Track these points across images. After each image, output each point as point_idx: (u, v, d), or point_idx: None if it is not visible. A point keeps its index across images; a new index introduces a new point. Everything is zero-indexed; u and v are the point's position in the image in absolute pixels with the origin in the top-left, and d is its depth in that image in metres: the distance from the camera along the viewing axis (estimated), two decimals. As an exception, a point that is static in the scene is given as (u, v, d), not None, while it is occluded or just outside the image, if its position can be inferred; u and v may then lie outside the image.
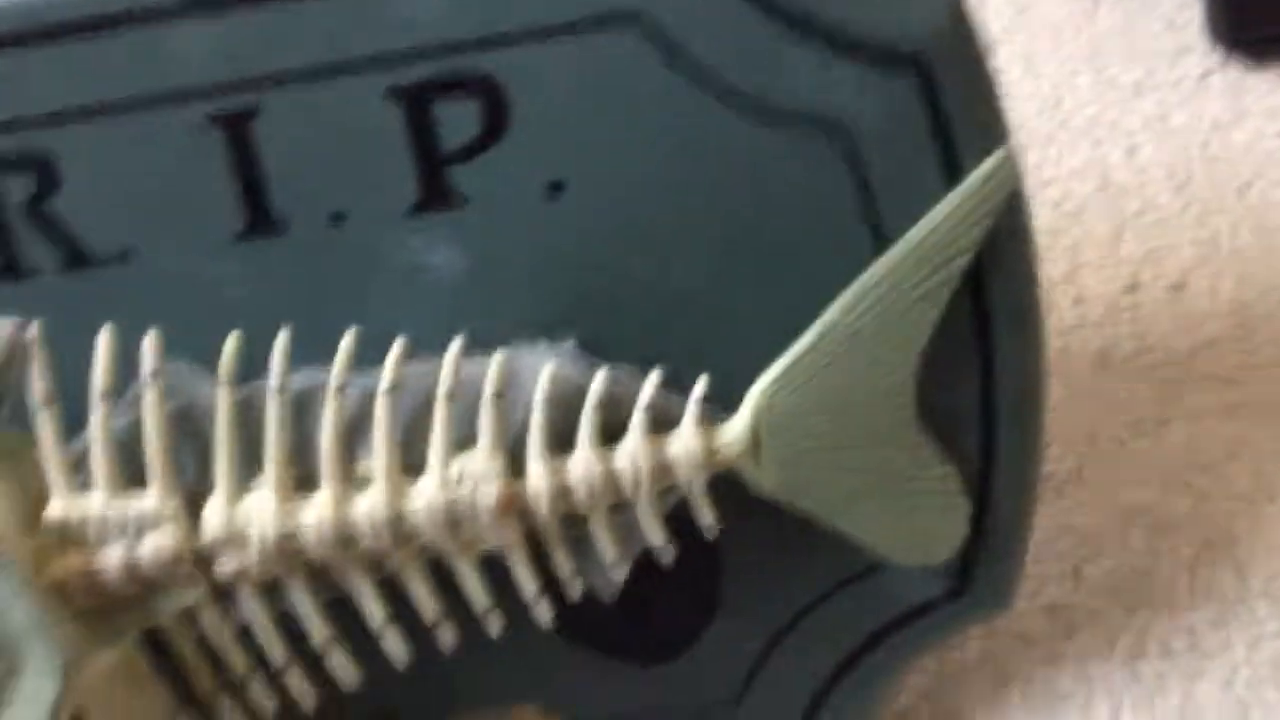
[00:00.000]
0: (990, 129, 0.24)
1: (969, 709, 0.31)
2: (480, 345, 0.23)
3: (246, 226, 0.24)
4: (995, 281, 0.24)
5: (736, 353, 0.24)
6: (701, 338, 0.24)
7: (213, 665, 0.24)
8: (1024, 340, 0.25)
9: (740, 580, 0.26)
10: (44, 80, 0.23)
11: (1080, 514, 0.35)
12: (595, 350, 0.24)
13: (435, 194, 0.24)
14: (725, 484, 0.24)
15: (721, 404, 0.24)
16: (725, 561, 0.26)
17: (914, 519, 0.25)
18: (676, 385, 0.24)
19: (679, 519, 0.24)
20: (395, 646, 0.24)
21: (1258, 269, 0.41)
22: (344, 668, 0.24)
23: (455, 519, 0.22)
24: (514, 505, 0.23)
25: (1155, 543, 0.34)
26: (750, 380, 0.24)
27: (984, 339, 0.25)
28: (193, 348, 0.23)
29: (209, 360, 0.23)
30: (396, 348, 0.22)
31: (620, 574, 0.24)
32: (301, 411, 0.23)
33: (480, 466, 0.22)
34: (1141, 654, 0.31)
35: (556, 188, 0.24)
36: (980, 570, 0.27)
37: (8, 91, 0.23)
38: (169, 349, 0.22)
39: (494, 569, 0.23)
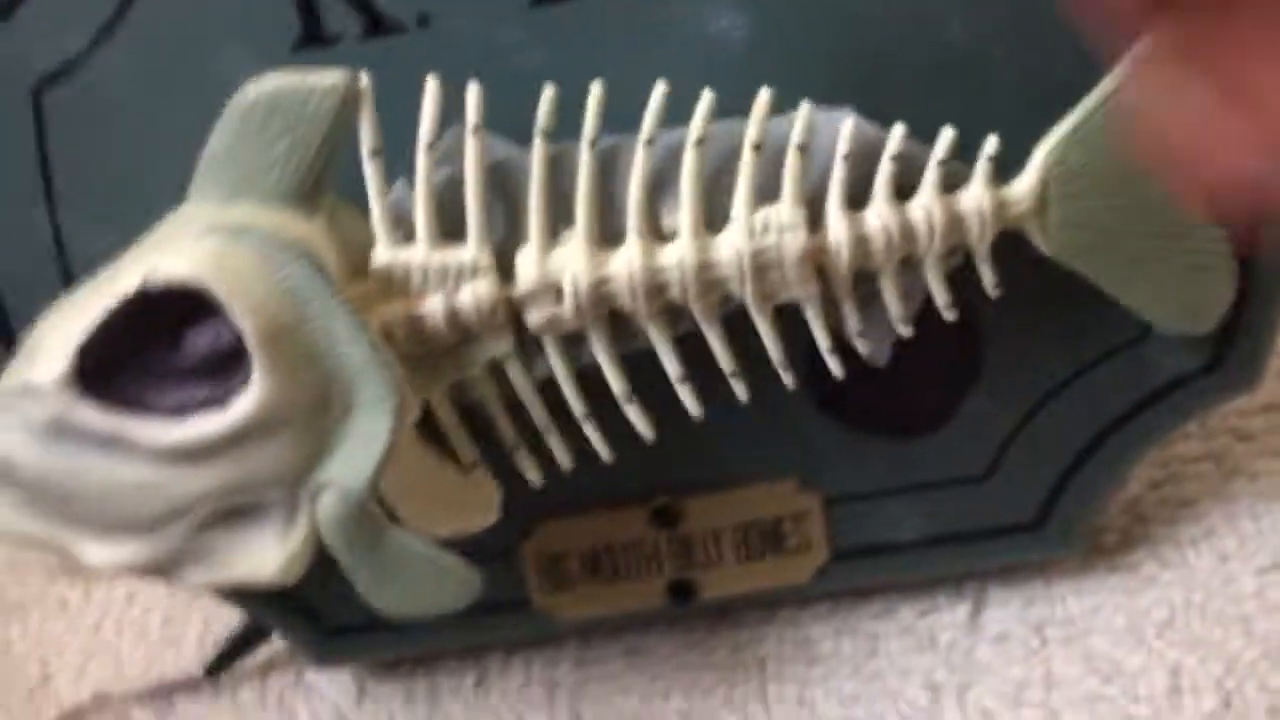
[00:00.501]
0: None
1: (1197, 498, 0.32)
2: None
3: (541, -9, 0.25)
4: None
5: (1018, 119, 0.24)
6: (982, 105, 0.25)
7: (513, 419, 0.25)
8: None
9: (1001, 352, 0.27)
10: None
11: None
12: (876, 117, 0.25)
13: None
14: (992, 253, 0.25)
15: (1003, 172, 0.24)
16: (988, 333, 0.27)
17: (1185, 284, 0.26)
18: (960, 154, 0.24)
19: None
20: (690, 400, 0.25)
21: None
22: (641, 420, 0.25)
23: (760, 266, 0.23)
24: (816, 254, 0.23)
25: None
26: (1031, 147, 0.24)
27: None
28: (487, 113, 0.24)
29: (502, 126, 0.24)
30: (705, 101, 0.23)
31: (902, 331, 0.25)
32: (606, 171, 0.24)
33: (785, 217, 0.23)
34: (1363, 448, 0.32)
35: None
36: (1235, 345, 0.27)
37: None
38: (457, 112, 0.23)
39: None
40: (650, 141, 0.23)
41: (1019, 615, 0.30)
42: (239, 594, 0.30)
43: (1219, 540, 0.31)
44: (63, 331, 0.22)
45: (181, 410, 0.23)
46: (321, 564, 0.26)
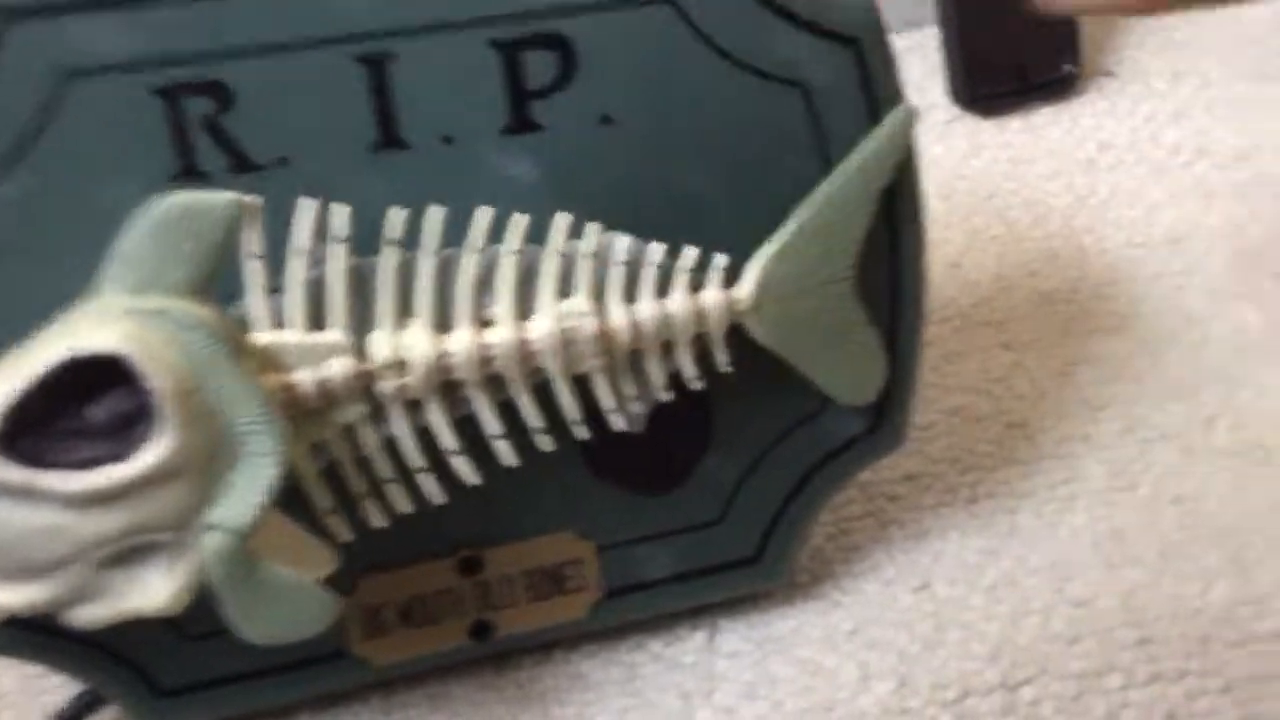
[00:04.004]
0: (896, 91, 0.35)
1: (863, 544, 0.41)
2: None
3: (379, 143, 0.32)
4: (898, 198, 0.35)
5: (734, 240, 0.33)
6: (708, 227, 0.34)
7: (364, 474, 0.31)
8: (915, 240, 0.36)
9: (725, 421, 0.36)
10: (223, 22, 0.30)
11: (920, 413, 0.46)
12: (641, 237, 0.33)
13: (521, 121, 0.32)
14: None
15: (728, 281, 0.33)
16: (715, 405, 0.35)
17: (853, 367, 0.35)
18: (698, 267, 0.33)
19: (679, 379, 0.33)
20: (507, 454, 0.31)
21: (1008, 249, 0.55)
22: (466, 471, 0.31)
23: (565, 342, 0.31)
24: (603, 336, 0.31)
25: (973, 429, 0.45)
26: (742, 259, 0.34)
27: (894, 237, 0.36)
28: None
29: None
30: (521, 223, 0.31)
31: (659, 398, 0.33)
32: (444, 271, 0.31)
33: (581, 305, 0.31)
34: (974, 500, 0.43)
35: (606, 120, 0.33)
36: (888, 412, 0.37)
37: (195, 31, 0.30)
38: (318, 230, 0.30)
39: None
40: (480, 250, 0.30)
41: (744, 635, 0.38)
42: (75, 663, 0.33)
43: (882, 570, 0.40)
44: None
45: (86, 465, 0.27)
46: (153, 630, 0.30)
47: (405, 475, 0.31)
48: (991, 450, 0.45)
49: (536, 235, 0.31)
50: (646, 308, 0.32)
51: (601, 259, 0.32)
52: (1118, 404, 0.46)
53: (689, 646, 0.38)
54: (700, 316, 0.33)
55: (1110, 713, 0.36)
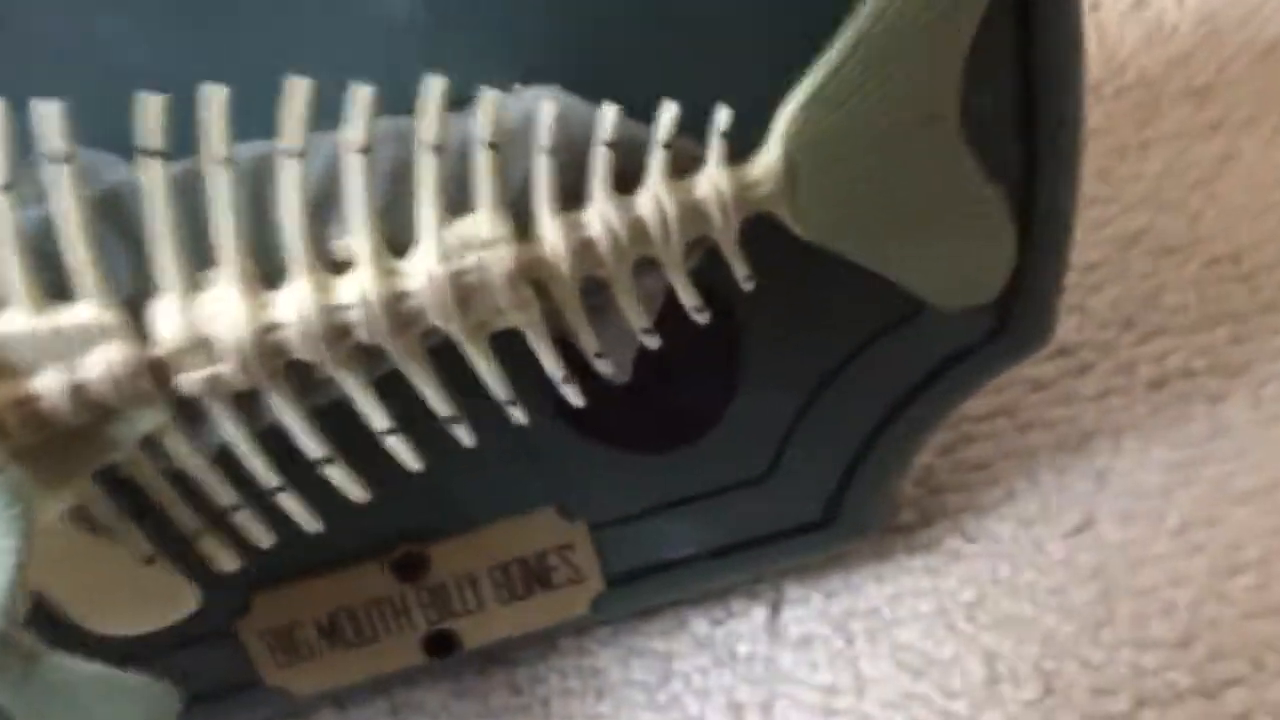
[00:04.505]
0: None
1: (992, 459, 0.29)
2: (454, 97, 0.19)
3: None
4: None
5: (753, 88, 0.20)
6: (709, 75, 0.21)
7: (190, 499, 0.20)
8: (1064, 36, 0.22)
9: (764, 345, 0.24)
10: None
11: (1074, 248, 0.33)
12: (588, 95, 0.20)
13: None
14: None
15: (744, 150, 0.20)
16: (747, 326, 0.23)
17: (961, 253, 0.23)
18: (690, 130, 0.20)
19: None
20: (403, 453, 0.20)
21: (1218, -20, 0.39)
22: (347, 484, 0.20)
23: (463, 293, 0.19)
24: (530, 269, 0.19)
25: (1159, 266, 0.32)
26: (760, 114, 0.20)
27: (1025, 35, 0.22)
28: (88, 128, 0.19)
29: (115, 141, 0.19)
30: (363, 97, 0.18)
31: (647, 343, 0.21)
32: (256, 191, 0.19)
33: (485, 230, 0.19)
34: (1163, 382, 0.30)
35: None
36: (1020, 306, 0.24)
37: None
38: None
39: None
40: (300, 153, 0.18)
41: (820, 612, 0.27)
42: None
43: (1021, 503, 0.28)
44: None
45: None
46: None
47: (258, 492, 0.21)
48: (1186, 302, 0.31)
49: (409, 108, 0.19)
50: (599, 214, 0.20)
51: (518, 142, 0.19)
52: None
53: (744, 629, 0.28)
54: (692, 215, 0.20)
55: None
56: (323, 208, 0.19)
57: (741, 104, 0.20)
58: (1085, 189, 0.33)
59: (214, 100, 0.18)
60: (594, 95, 0.20)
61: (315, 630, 0.25)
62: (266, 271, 0.19)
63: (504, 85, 0.20)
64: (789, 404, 0.24)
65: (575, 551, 0.25)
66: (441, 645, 0.26)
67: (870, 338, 0.24)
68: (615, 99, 0.20)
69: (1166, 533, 0.27)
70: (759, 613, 0.28)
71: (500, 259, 0.19)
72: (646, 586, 0.26)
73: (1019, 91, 0.22)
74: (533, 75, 0.20)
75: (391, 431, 0.20)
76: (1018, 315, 0.24)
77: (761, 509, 0.25)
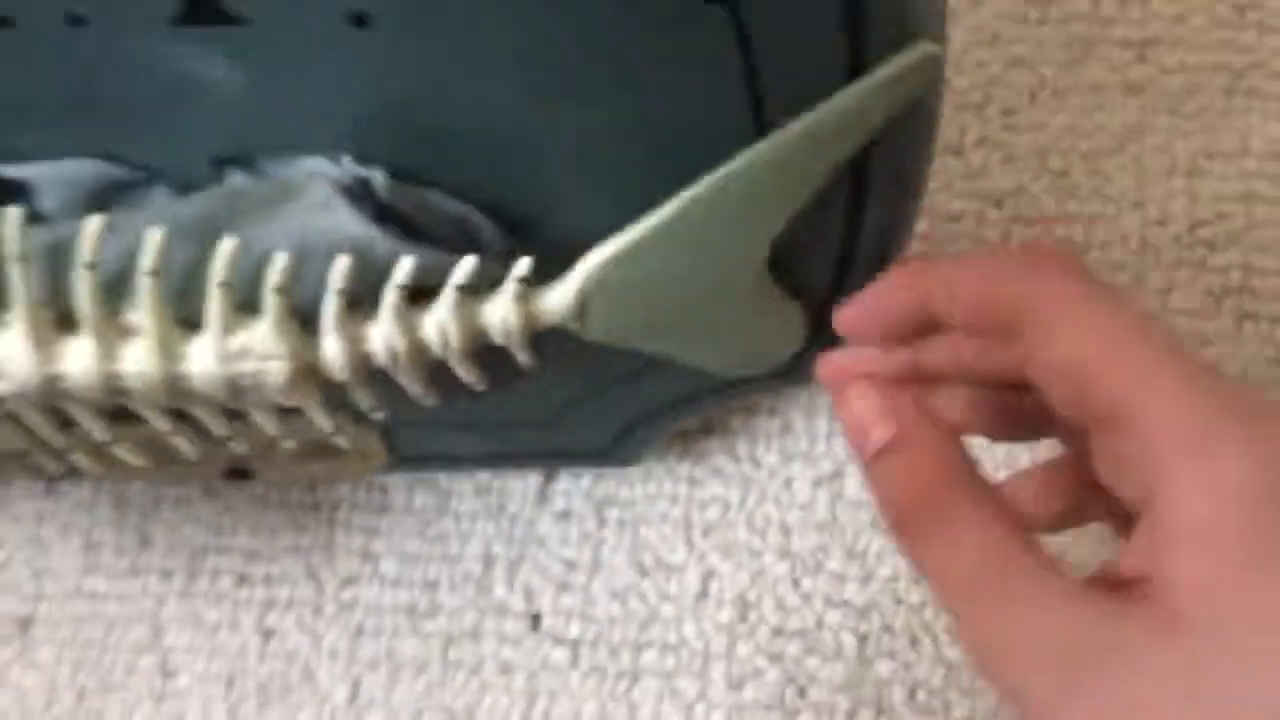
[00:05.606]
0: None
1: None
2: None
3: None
4: (881, 154, 0.21)
5: (561, 195, 0.20)
6: (530, 178, 0.20)
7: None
8: (900, 204, 0.22)
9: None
10: None
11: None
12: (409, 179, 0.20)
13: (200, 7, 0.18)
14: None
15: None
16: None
17: (748, 342, 0.24)
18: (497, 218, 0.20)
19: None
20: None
21: None
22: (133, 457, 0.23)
23: (238, 390, 0.20)
24: (309, 376, 0.20)
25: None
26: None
27: (857, 205, 0.21)
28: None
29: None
30: (152, 239, 0.18)
31: (427, 403, 0.23)
32: (58, 246, 0.19)
33: (263, 345, 0.20)
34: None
35: (359, 20, 0.18)
36: (809, 359, 0.26)
37: None
38: None
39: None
40: (93, 266, 0.19)
41: (585, 492, 0.31)
42: None
43: (791, 439, 0.31)
44: None
45: None
46: None
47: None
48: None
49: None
50: (383, 336, 0.20)
51: (314, 257, 0.20)
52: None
53: (518, 487, 0.31)
54: (477, 334, 0.21)
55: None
56: (120, 278, 0.20)
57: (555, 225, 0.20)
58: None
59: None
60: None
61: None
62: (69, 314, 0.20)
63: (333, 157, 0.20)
64: (573, 391, 0.26)
65: (364, 440, 0.28)
66: (239, 476, 0.29)
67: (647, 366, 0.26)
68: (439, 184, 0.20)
69: (896, 507, 0.31)
70: (534, 479, 0.31)
71: (276, 371, 0.20)
72: (432, 465, 0.29)
73: (843, 238, 0.22)
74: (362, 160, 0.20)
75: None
76: (806, 364, 0.26)
77: (546, 438, 0.28)
